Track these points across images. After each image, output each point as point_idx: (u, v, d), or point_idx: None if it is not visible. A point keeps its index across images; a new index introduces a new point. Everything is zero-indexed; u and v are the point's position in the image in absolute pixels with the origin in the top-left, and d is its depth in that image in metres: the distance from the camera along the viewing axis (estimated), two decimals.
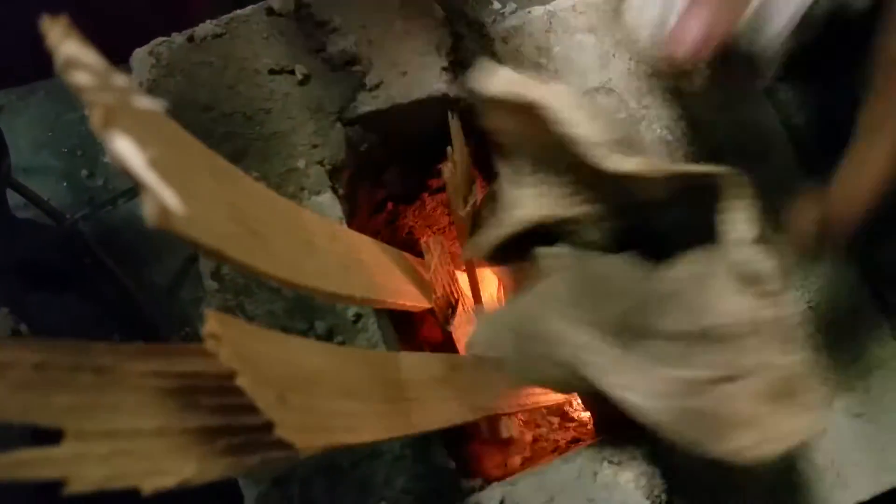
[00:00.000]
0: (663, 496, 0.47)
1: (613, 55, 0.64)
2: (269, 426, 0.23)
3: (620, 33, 0.64)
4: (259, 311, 0.49)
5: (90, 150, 1.26)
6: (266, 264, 0.26)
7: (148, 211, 0.19)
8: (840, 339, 0.58)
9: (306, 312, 0.49)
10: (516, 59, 0.62)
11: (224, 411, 0.25)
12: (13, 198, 1.06)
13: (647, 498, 0.47)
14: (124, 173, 0.19)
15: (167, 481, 0.22)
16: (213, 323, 0.23)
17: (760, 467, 0.54)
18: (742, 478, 0.53)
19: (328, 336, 0.49)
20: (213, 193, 0.25)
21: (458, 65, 0.57)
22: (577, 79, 0.62)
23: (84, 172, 1.25)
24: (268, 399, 0.23)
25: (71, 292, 1.15)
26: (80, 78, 0.19)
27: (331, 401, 0.30)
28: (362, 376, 0.35)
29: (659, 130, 0.61)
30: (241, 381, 0.22)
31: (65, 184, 1.24)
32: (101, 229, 1.20)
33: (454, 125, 0.50)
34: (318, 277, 0.31)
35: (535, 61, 0.62)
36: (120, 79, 0.21)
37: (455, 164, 0.49)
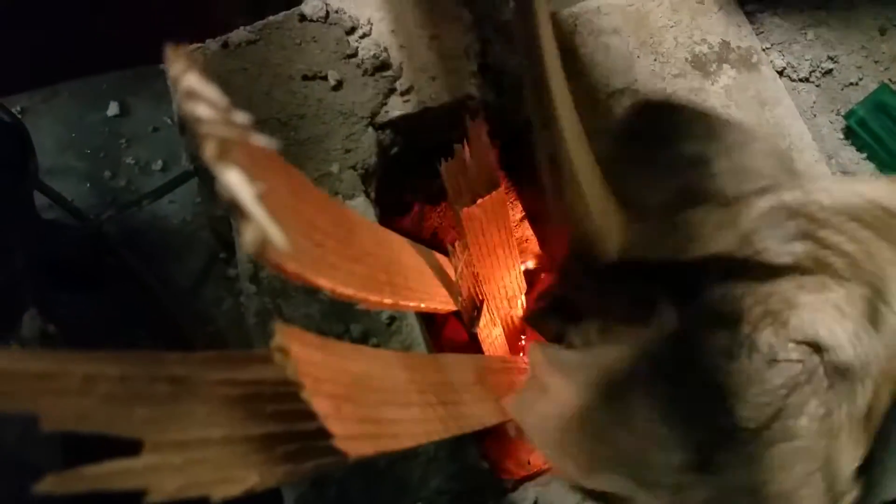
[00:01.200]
0: None
1: (638, 56, 0.64)
2: (322, 432, 0.24)
3: (645, 34, 0.65)
4: (296, 314, 0.50)
5: (113, 151, 1.28)
6: (326, 279, 0.27)
7: (249, 240, 0.20)
8: None
9: (342, 315, 0.50)
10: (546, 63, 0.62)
11: (283, 417, 0.26)
12: (38, 198, 1.08)
13: None
14: (232, 206, 0.19)
15: (234, 489, 0.23)
16: (280, 336, 0.24)
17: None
18: None
19: (363, 339, 0.50)
20: (297, 215, 0.26)
21: (487, 68, 0.57)
22: (602, 80, 0.63)
23: (107, 173, 1.26)
24: (327, 410, 0.24)
25: (96, 292, 1.16)
26: (200, 110, 0.20)
27: (378, 409, 0.31)
28: (404, 381, 0.36)
29: None
30: (305, 395, 0.23)
31: (88, 185, 1.26)
32: (124, 230, 1.21)
33: (473, 128, 0.51)
34: (365, 285, 0.32)
35: (561, 63, 0.63)
36: (239, 116, 0.22)
37: (461, 162, 0.49)
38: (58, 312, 1.01)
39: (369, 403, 0.31)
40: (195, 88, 0.20)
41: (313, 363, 0.26)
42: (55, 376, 0.21)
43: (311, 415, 0.24)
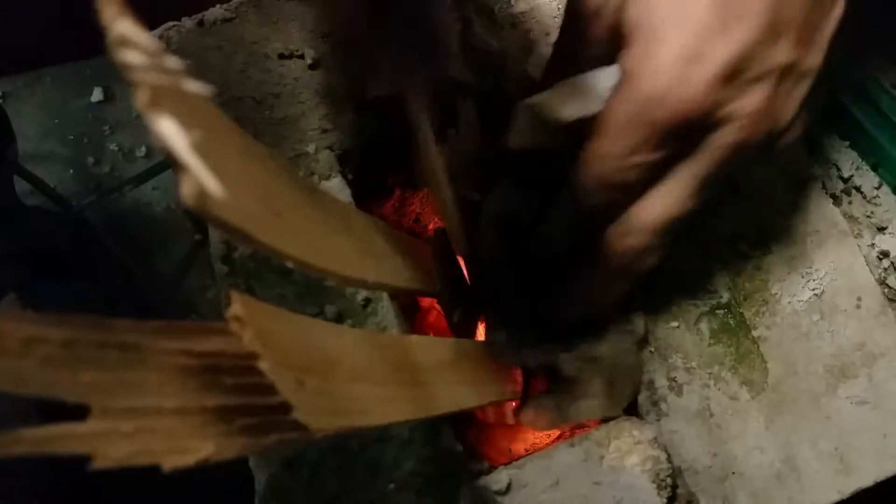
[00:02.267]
0: (669, 479, 0.48)
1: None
2: (285, 407, 0.23)
3: None
4: (269, 295, 0.49)
5: (96, 137, 1.27)
6: (285, 245, 0.26)
7: (185, 192, 0.19)
8: (844, 326, 0.58)
9: (316, 296, 0.50)
10: (524, 45, 0.62)
11: (242, 391, 0.25)
12: (20, 185, 1.07)
13: (653, 482, 0.47)
14: (165, 154, 0.19)
15: (187, 460, 0.22)
16: (237, 305, 0.23)
17: (764, 451, 0.54)
18: (742, 461, 0.54)
19: (338, 320, 0.49)
20: (244, 174, 0.25)
21: (468, 49, 0.57)
22: None
23: (90, 160, 1.25)
24: (287, 382, 0.24)
25: (78, 279, 1.16)
26: (131, 56, 0.19)
27: (345, 384, 0.30)
28: (374, 359, 0.35)
29: None
30: (263, 365, 0.23)
31: (71, 171, 1.25)
32: (107, 217, 1.20)
33: (465, 107, 0.50)
34: (332, 259, 0.31)
35: (544, 47, 0.62)
36: (171, 61, 0.21)
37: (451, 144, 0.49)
38: (38, 299, 1.00)
39: (335, 378, 0.30)
40: (127, 34, 0.19)
41: (273, 333, 0.26)
42: None
43: (271, 388, 0.24)
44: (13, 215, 1.04)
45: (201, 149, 0.19)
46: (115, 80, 1.29)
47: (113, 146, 1.25)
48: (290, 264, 0.29)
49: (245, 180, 0.25)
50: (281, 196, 0.29)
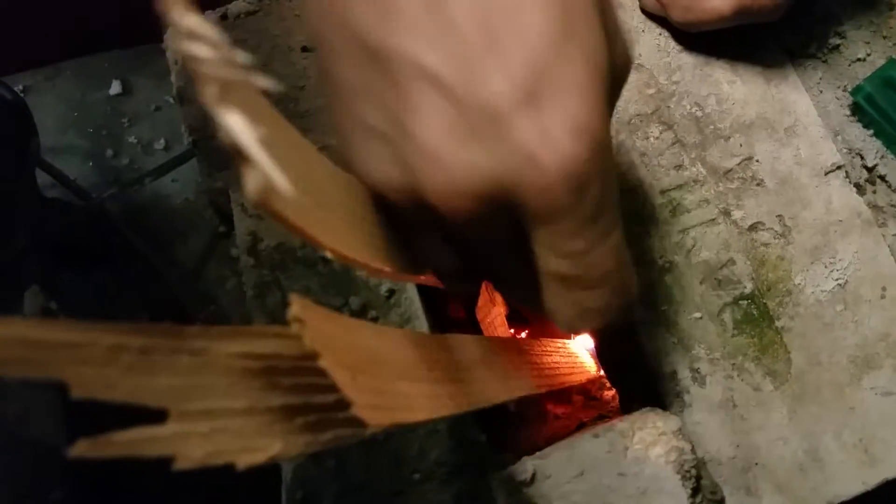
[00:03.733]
0: (693, 471, 0.48)
1: (643, 31, 0.63)
2: (340, 404, 0.24)
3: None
4: (295, 287, 0.50)
5: (115, 130, 1.28)
6: (329, 238, 0.26)
7: (251, 188, 0.19)
8: (868, 316, 0.58)
9: (341, 288, 0.50)
10: None
11: (301, 390, 0.26)
12: (41, 177, 1.08)
13: (678, 473, 0.47)
14: (233, 151, 0.19)
15: (259, 458, 0.23)
16: (297, 307, 0.24)
17: (781, 446, 0.54)
18: (765, 452, 0.54)
19: (362, 311, 0.50)
20: (299, 170, 0.25)
21: None
22: None
23: (110, 152, 1.26)
24: (345, 380, 0.24)
25: (99, 270, 1.17)
26: (199, 50, 0.20)
27: (392, 382, 0.31)
28: (415, 358, 0.36)
29: (689, 106, 0.61)
30: (323, 363, 0.23)
31: (91, 163, 1.26)
32: (127, 209, 1.21)
33: None
34: (364, 250, 0.32)
35: None
36: (239, 55, 0.21)
37: None
38: (60, 290, 1.01)
39: (383, 376, 0.31)
40: (196, 28, 0.19)
41: (327, 334, 0.26)
42: (82, 346, 0.21)
43: (328, 386, 0.24)
44: (36, 208, 1.05)
45: (268, 145, 0.19)
46: (134, 73, 1.30)
47: (132, 138, 1.26)
48: (327, 254, 0.29)
49: (301, 176, 0.25)
50: (325, 190, 0.29)
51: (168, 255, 1.20)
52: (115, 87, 1.29)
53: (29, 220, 1.00)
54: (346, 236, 0.29)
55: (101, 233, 1.18)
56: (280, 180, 0.20)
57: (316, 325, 0.25)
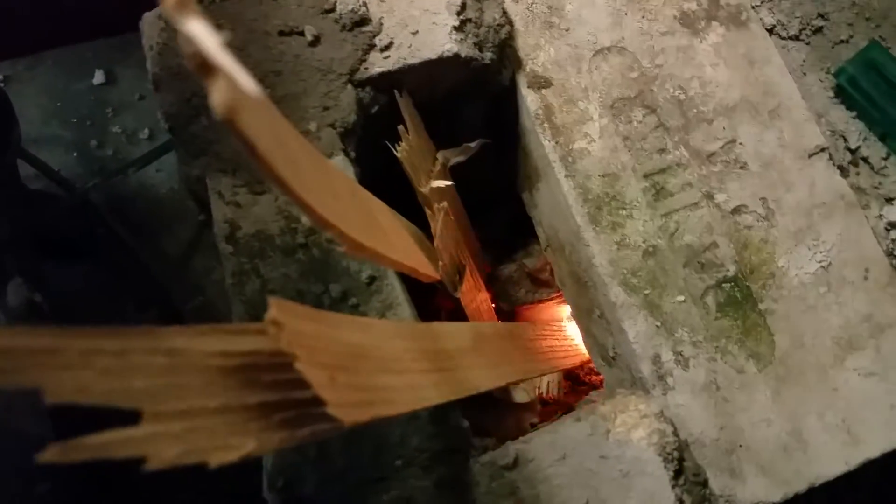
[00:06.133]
0: (675, 453, 0.48)
1: (626, 14, 0.63)
2: (318, 401, 0.24)
3: None
4: (274, 274, 0.49)
5: (99, 120, 1.26)
6: (302, 189, 0.26)
7: (218, 97, 0.18)
8: (852, 298, 0.58)
9: (321, 275, 0.50)
10: (528, 18, 0.61)
11: (278, 387, 0.26)
12: (24, 168, 1.07)
13: (660, 455, 0.47)
14: (196, 60, 0.18)
15: (232, 456, 0.23)
16: (273, 309, 0.24)
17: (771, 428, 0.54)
18: (749, 434, 0.54)
19: (343, 298, 0.49)
20: (265, 115, 0.25)
21: (468, 22, 0.56)
22: (589, 37, 0.61)
23: (94, 143, 1.25)
24: (321, 380, 0.24)
25: (84, 262, 1.16)
26: None
27: (372, 377, 0.31)
28: (400, 349, 0.36)
29: (672, 90, 0.61)
30: (299, 366, 0.23)
31: (75, 154, 1.24)
32: (112, 199, 1.20)
33: (403, 103, 0.51)
34: (341, 220, 0.31)
35: (546, 20, 0.61)
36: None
37: (409, 143, 0.50)
38: (45, 282, 1.00)
39: (363, 371, 0.31)
40: None
41: (306, 335, 0.26)
42: (55, 351, 0.21)
43: (305, 384, 0.24)
44: (18, 200, 1.04)
45: (233, 50, 0.19)
46: (117, 62, 1.28)
47: (116, 129, 1.24)
48: (301, 217, 0.29)
49: (269, 129, 0.25)
50: (297, 151, 0.28)
51: (154, 246, 1.19)
52: (99, 77, 1.28)
53: (10, 211, 0.99)
54: (321, 197, 0.29)
55: (86, 224, 1.17)
56: (248, 83, 0.19)
57: (294, 326, 0.25)
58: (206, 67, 0.19)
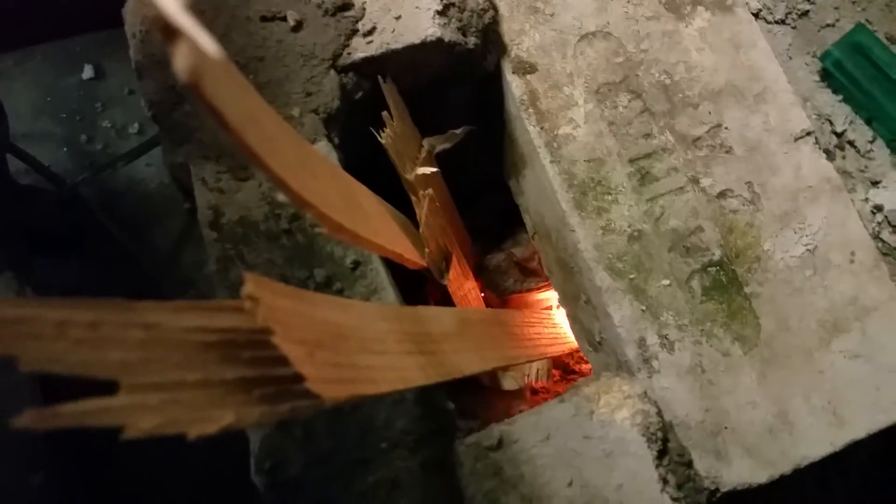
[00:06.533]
0: (659, 433, 0.48)
1: None
2: (298, 378, 0.24)
3: None
4: (258, 260, 0.49)
5: (89, 114, 1.26)
6: (276, 164, 0.26)
7: (181, 61, 0.18)
8: (837, 281, 0.58)
9: (305, 260, 0.50)
10: (512, 3, 0.61)
11: (258, 363, 0.26)
12: (14, 164, 1.07)
13: (643, 435, 0.47)
14: (159, 24, 0.18)
15: (210, 428, 0.23)
16: (249, 285, 0.24)
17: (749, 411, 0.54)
18: (734, 416, 0.54)
19: (327, 283, 0.49)
20: (232, 83, 0.25)
21: (453, 7, 0.56)
22: (574, 22, 0.61)
23: (84, 137, 1.25)
24: (299, 355, 0.24)
25: (74, 256, 1.16)
26: None
27: (353, 355, 0.31)
28: (383, 330, 0.36)
29: (658, 74, 0.61)
30: (276, 340, 0.23)
31: (65, 149, 1.24)
32: (102, 194, 1.20)
33: (387, 89, 0.51)
34: (321, 200, 0.31)
35: (531, 5, 0.61)
36: None
37: (394, 129, 0.50)
38: (35, 276, 1.00)
39: (344, 350, 0.31)
40: None
41: (283, 310, 0.26)
42: (29, 321, 0.22)
43: (284, 360, 0.24)
44: (7, 195, 1.03)
45: (194, 14, 0.19)
46: (106, 57, 1.28)
47: (106, 123, 1.24)
48: (286, 203, 0.29)
49: (242, 105, 0.25)
50: (272, 126, 0.28)
51: (144, 240, 1.18)
52: (88, 72, 1.27)
53: (1, 207, 0.99)
54: (299, 178, 0.29)
55: (76, 218, 1.16)
56: (210, 45, 0.19)
57: (271, 302, 0.25)
58: (168, 31, 0.19)
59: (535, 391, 0.81)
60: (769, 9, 0.65)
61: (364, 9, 0.54)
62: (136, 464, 0.82)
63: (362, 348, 0.34)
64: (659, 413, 0.49)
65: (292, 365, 0.25)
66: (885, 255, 0.60)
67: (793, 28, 0.65)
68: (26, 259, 0.99)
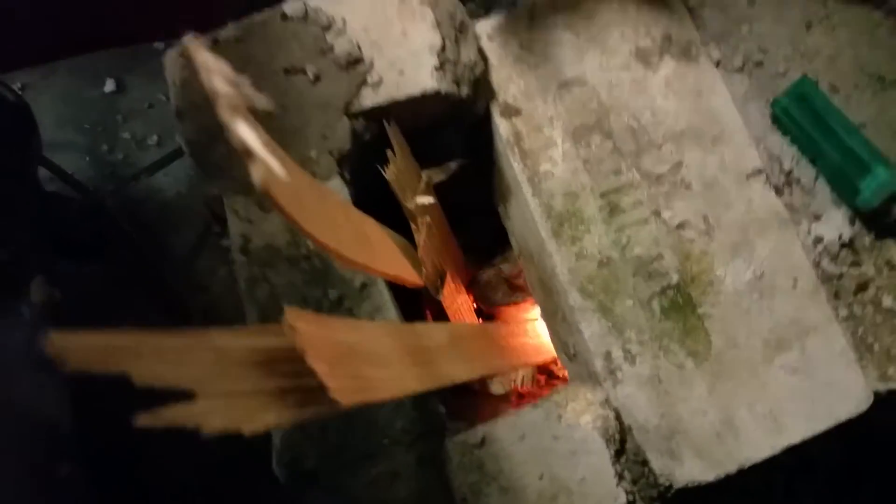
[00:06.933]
0: (617, 435, 0.57)
1: (587, 50, 0.71)
2: (322, 387, 0.33)
3: (595, 29, 0.71)
4: (281, 281, 0.58)
5: (110, 126, 1.34)
6: (310, 227, 0.35)
7: (257, 176, 0.27)
8: (782, 304, 0.66)
9: (320, 282, 0.58)
10: (501, 54, 0.70)
11: (292, 375, 0.34)
12: (39, 171, 1.15)
13: (603, 437, 0.56)
14: (242, 150, 0.27)
15: (260, 427, 0.32)
16: (290, 316, 0.32)
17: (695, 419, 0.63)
18: (686, 422, 0.63)
19: (339, 302, 0.58)
20: (301, 189, 0.34)
21: (448, 63, 0.64)
22: (554, 71, 0.70)
23: (105, 147, 1.33)
24: (324, 371, 0.33)
25: (96, 260, 1.24)
26: (218, 82, 0.28)
27: (364, 369, 0.40)
28: (387, 346, 0.45)
29: (627, 118, 0.69)
30: (308, 360, 0.32)
31: (87, 158, 1.33)
32: (123, 202, 1.28)
33: (391, 131, 0.59)
34: (338, 243, 0.40)
35: (518, 55, 0.70)
36: (242, 80, 0.30)
37: (396, 165, 0.58)
38: (62, 279, 1.08)
39: (357, 364, 0.40)
40: (211, 64, 0.28)
41: (314, 336, 0.35)
42: (137, 347, 0.30)
43: (312, 373, 0.33)
44: (38, 205, 1.11)
45: (268, 146, 0.27)
46: (127, 72, 1.36)
47: (126, 135, 1.32)
48: (309, 244, 0.38)
49: (300, 192, 0.34)
50: (311, 194, 0.37)
51: (162, 247, 1.27)
52: (110, 85, 1.35)
53: (32, 216, 1.07)
54: (329, 231, 0.38)
55: (98, 225, 1.25)
56: (278, 169, 0.28)
57: (304, 330, 0.34)
58: (249, 155, 0.27)
59: (521, 395, 0.89)
60: (728, 58, 0.73)
61: (372, 64, 0.63)
62: (162, 458, 0.90)
63: (370, 362, 0.43)
64: (618, 418, 0.58)
65: (319, 378, 0.34)
66: (824, 281, 0.68)
67: (749, 76, 0.73)
68: (53, 264, 1.07)
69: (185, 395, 0.31)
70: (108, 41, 1.35)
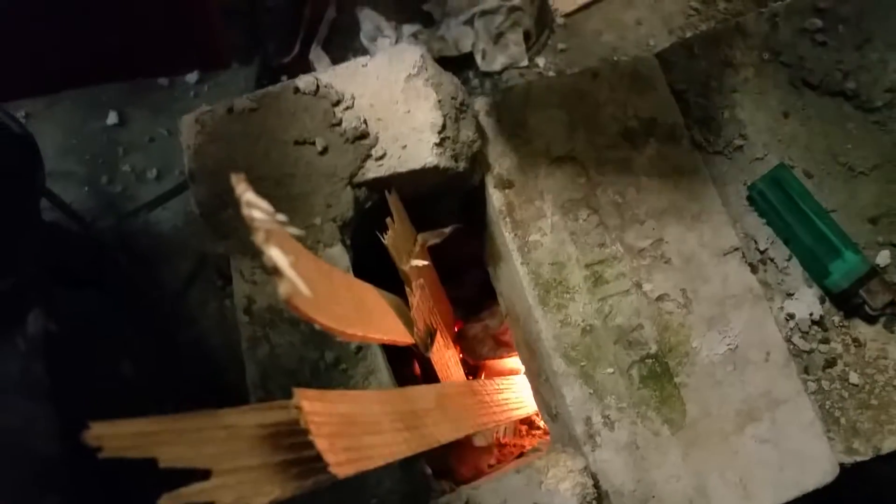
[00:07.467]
0: (594, 502, 0.60)
1: (577, 129, 0.76)
2: (322, 461, 0.36)
3: (585, 109, 0.76)
4: (282, 341, 0.61)
5: (111, 158, 1.38)
6: (320, 316, 0.39)
7: (283, 293, 0.31)
8: (754, 376, 0.70)
9: (318, 343, 0.61)
10: (497, 130, 0.74)
11: (294, 448, 0.38)
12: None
13: (580, 502, 0.59)
14: (273, 269, 0.31)
15: (265, 500, 0.35)
16: (297, 398, 0.36)
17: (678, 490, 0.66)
18: (661, 487, 0.66)
19: (335, 364, 0.61)
20: (315, 282, 0.37)
21: (448, 140, 0.68)
22: (546, 148, 0.74)
23: (104, 179, 1.36)
24: (324, 446, 0.36)
25: (92, 291, 1.26)
26: (255, 213, 0.32)
27: (359, 439, 0.43)
28: (381, 413, 0.48)
29: (612, 194, 0.74)
30: (311, 437, 0.35)
31: (86, 188, 1.35)
32: (120, 234, 1.31)
33: (391, 199, 0.63)
34: (341, 321, 0.44)
35: (512, 132, 0.74)
36: (280, 216, 0.33)
37: (394, 230, 0.62)
38: (58, 310, 1.10)
39: (353, 435, 0.43)
40: (252, 199, 0.32)
41: (317, 413, 0.38)
42: (162, 433, 0.33)
43: (313, 447, 0.36)
44: (38, 235, 1.14)
45: (295, 267, 0.31)
46: (130, 105, 1.40)
47: (126, 167, 1.35)
48: (337, 337, 0.42)
49: (316, 285, 0.37)
50: (317, 281, 0.41)
51: (155, 279, 1.29)
52: (112, 118, 1.39)
53: (33, 247, 1.09)
54: (329, 312, 0.41)
55: (96, 256, 1.27)
56: (304, 289, 0.32)
57: (309, 408, 0.37)
58: (278, 273, 0.31)
59: (502, 445, 0.93)
60: (710, 142, 0.78)
61: (377, 138, 0.67)
62: (151, 492, 0.92)
63: (365, 431, 0.46)
64: (596, 485, 0.61)
65: (320, 454, 0.37)
66: (795, 356, 0.72)
67: (729, 159, 0.78)
68: (50, 294, 1.09)
69: (201, 474, 0.34)
70: (113, 74, 1.38)
